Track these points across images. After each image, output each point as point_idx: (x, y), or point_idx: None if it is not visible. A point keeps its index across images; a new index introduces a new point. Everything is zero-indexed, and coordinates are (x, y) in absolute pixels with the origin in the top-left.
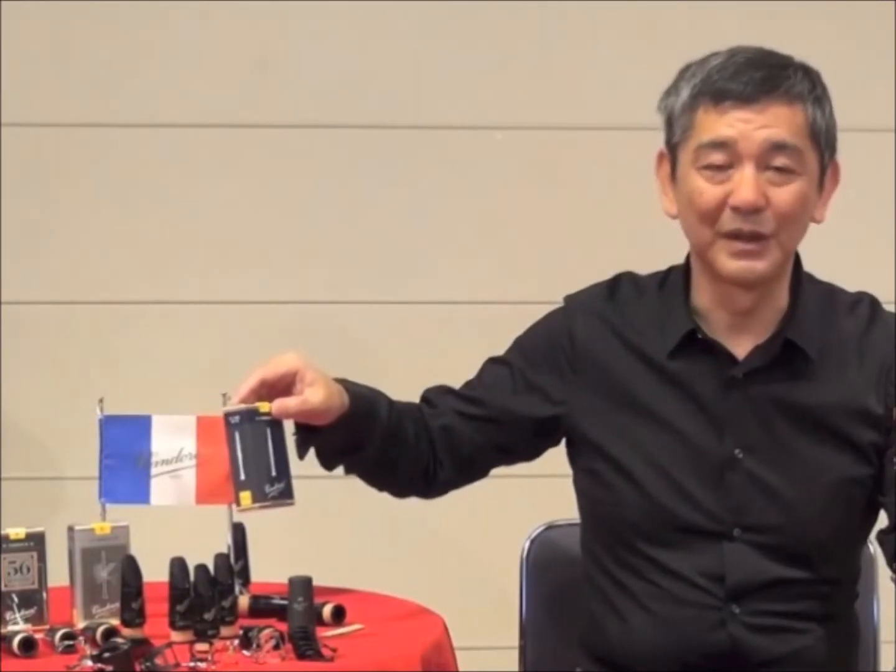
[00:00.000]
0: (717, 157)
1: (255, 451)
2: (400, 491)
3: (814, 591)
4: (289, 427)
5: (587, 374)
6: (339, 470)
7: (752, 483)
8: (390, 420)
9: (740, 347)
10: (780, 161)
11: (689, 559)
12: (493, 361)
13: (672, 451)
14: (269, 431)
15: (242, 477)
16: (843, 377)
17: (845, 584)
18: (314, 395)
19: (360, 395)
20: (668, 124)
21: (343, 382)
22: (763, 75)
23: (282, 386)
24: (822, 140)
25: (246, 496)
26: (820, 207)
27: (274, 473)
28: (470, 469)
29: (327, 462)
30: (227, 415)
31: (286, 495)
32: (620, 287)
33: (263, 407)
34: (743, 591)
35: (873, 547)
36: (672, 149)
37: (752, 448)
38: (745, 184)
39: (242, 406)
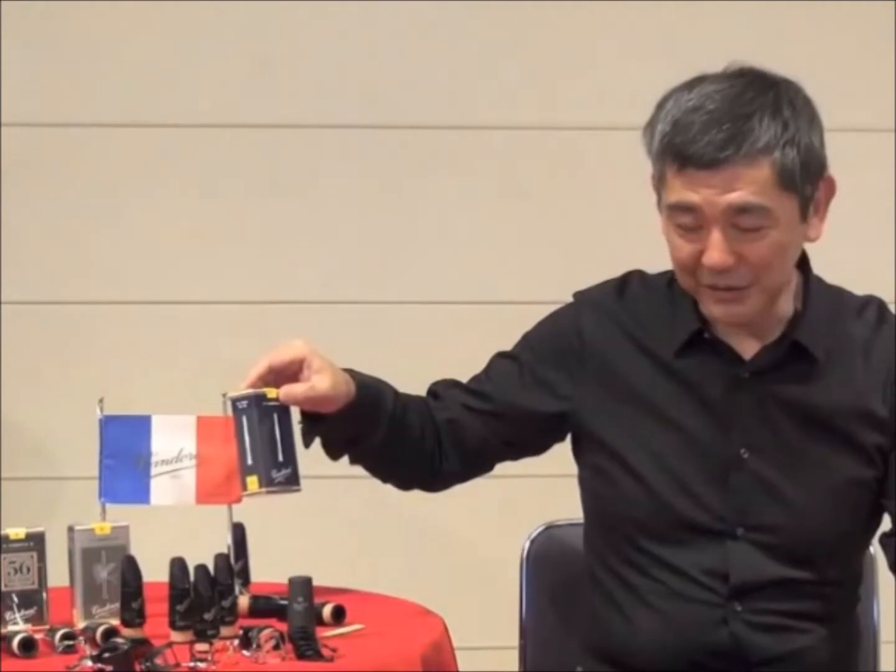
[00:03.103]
0: (686, 220)
1: (263, 436)
2: (404, 482)
3: (816, 592)
4: (295, 416)
5: (595, 371)
6: (340, 470)
7: (757, 483)
8: (396, 410)
9: (747, 348)
10: (746, 222)
11: (693, 557)
12: (501, 356)
13: (677, 449)
14: (276, 417)
15: (249, 462)
16: (850, 379)
17: (848, 585)
18: (321, 382)
19: (366, 384)
20: (650, 159)
21: (349, 372)
22: (724, 136)
23: (289, 373)
24: (799, 178)
25: (253, 481)
26: (815, 226)
27: (281, 459)
28: (475, 462)
29: (332, 451)
30: (235, 400)
31: (293, 482)
32: (630, 285)
33: (271, 393)
34: (746, 590)
35: (874, 548)
36: (656, 184)
37: (758, 448)
38: (712, 247)
39: (250, 391)
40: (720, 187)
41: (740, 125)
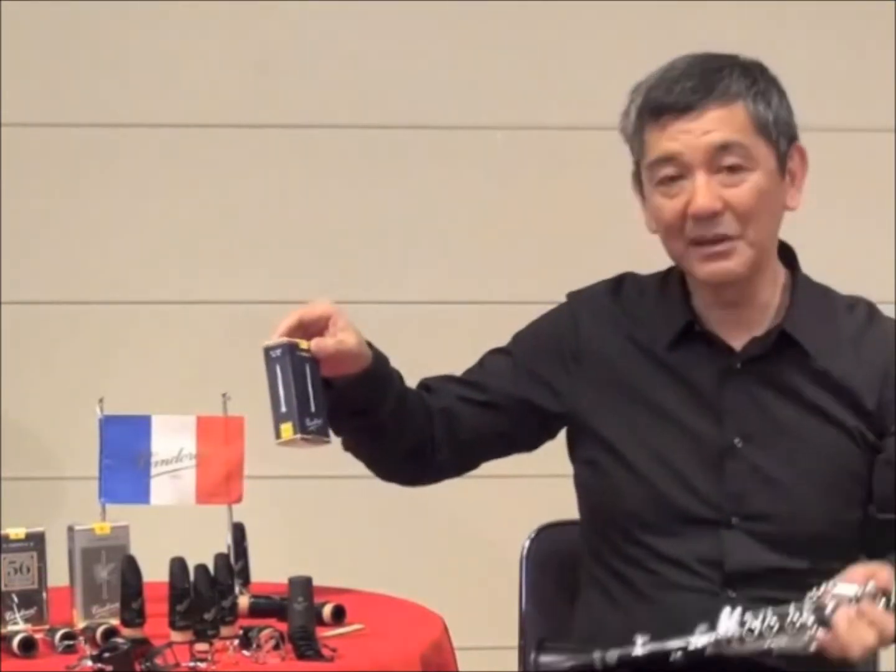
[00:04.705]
0: (669, 170)
1: (297, 384)
2: (392, 470)
3: (812, 583)
4: None
5: (590, 366)
6: (340, 470)
7: (751, 471)
8: (401, 388)
9: (737, 341)
10: (728, 160)
11: (688, 546)
12: (494, 352)
13: (672, 440)
14: (307, 368)
15: (283, 409)
16: (839, 369)
17: None
18: (349, 338)
19: (381, 356)
20: (629, 147)
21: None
22: (695, 83)
23: (315, 329)
24: (773, 131)
25: (287, 428)
26: (793, 195)
27: (313, 409)
28: (467, 455)
29: (338, 423)
30: (268, 349)
31: (324, 433)
32: (624, 285)
33: (302, 344)
34: (740, 578)
35: None
36: (637, 170)
37: (751, 437)
38: (698, 192)
39: (284, 339)
40: (698, 130)
41: (710, 75)
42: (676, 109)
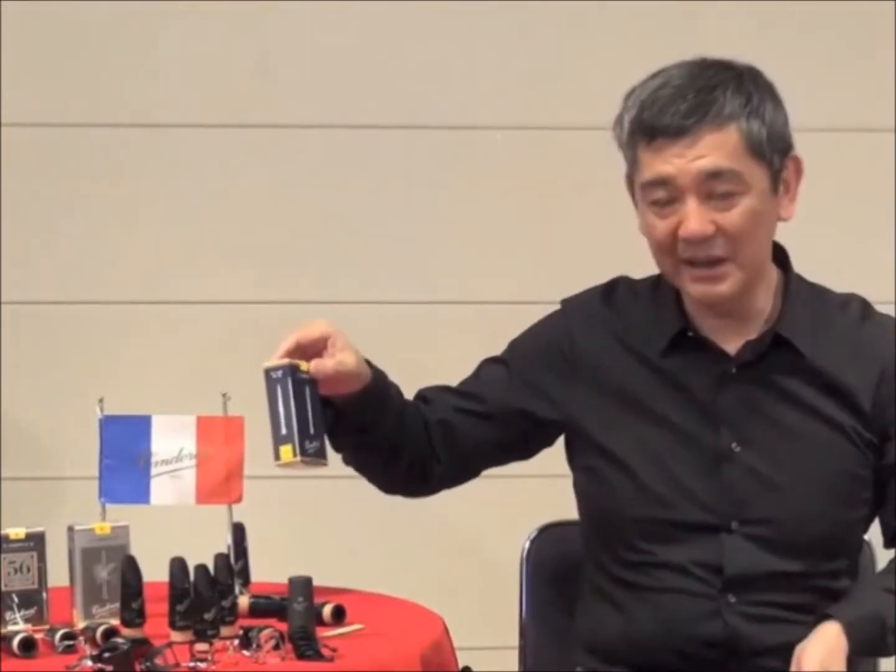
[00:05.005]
0: (661, 193)
1: (297, 406)
2: (394, 481)
3: (812, 585)
4: None
5: (586, 374)
6: (340, 470)
7: (750, 476)
8: (400, 401)
9: (731, 345)
10: (720, 188)
11: (687, 552)
12: (489, 362)
13: (670, 446)
14: (307, 389)
15: (283, 431)
16: (835, 370)
17: (844, 578)
18: (349, 359)
19: (380, 372)
20: (622, 154)
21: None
22: (690, 105)
23: (313, 351)
24: (767, 149)
25: (287, 450)
26: (786, 206)
27: (312, 431)
28: (465, 465)
29: (338, 440)
30: (269, 370)
31: (321, 455)
32: (616, 290)
33: (302, 366)
34: (740, 582)
35: (873, 544)
36: (630, 178)
37: (749, 441)
38: (689, 217)
39: (284, 361)
40: (691, 155)
41: (705, 95)
42: (670, 133)
